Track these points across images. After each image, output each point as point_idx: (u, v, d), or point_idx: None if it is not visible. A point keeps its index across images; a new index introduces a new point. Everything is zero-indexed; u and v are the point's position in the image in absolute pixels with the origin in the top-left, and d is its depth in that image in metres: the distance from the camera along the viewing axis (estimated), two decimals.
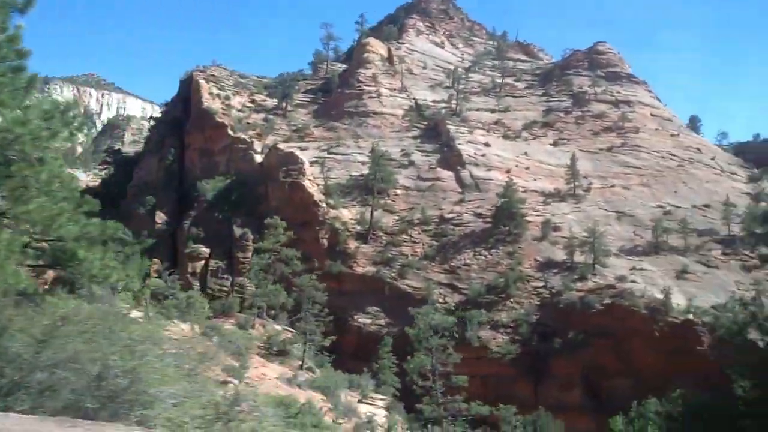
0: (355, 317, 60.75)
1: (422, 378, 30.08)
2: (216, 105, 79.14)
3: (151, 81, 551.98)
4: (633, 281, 58.43)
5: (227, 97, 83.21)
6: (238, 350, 34.20)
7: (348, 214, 68.59)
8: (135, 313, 33.17)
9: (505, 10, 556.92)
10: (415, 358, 32.21)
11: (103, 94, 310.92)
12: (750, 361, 15.86)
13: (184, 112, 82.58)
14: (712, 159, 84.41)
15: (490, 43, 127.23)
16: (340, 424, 32.05)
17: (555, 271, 60.61)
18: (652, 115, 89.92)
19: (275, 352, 42.33)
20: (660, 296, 53.68)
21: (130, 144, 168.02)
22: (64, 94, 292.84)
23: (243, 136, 74.29)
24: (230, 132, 74.10)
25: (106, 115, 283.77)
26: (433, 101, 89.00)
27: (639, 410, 33.61)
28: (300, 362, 42.26)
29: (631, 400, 33.67)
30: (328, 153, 78.15)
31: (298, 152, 72.25)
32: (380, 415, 38.08)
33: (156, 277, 65.73)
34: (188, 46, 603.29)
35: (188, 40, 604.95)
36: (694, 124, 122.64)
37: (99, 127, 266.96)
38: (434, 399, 28.01)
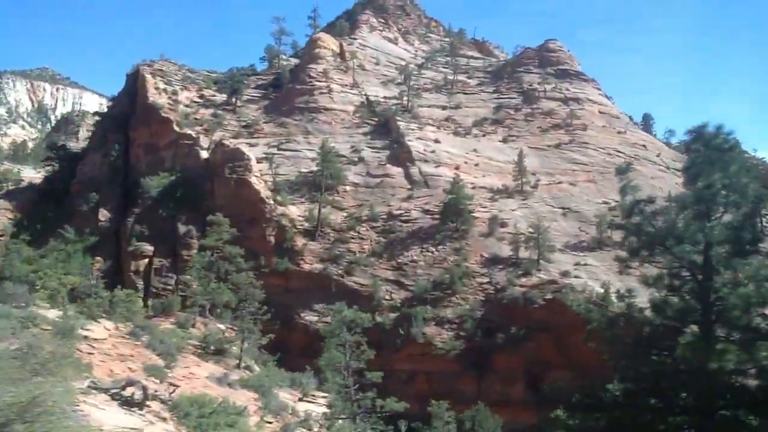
0: (302, 315, 60.39)
1: (337, 374, 29.95)
2: (162, 100, 77.74)
3: (108, 76, 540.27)
4: (576, 276, 59.24)
5: (174, 92, 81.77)
6: (167, 349, 33.53)
7: (296, 210, 68.04)
8: (53, 313, 32.47)
9: (466, 8, 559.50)
10: (326, 354, 32.02)
11: (58, 89, 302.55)
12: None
13: (130, 107, 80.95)
14: (658, 156, 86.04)
15: (447, 40, 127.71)
16: (270, 423, 31.67)
17: (500, 266, 61.06)
18: (600, 112, 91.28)
19: (212, 351, 41.61)
20: (601, 291, 54.44)
21: (84, 140, 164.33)
22: (17, 88, 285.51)
23: (189, 131, 73.10)
24: (176, 127, 72.86)
25: (62, 110, 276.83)
26: (385, 97, 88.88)
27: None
28: (237, 361, 41.67)
29: (572, 394, 34.07)
30: (278, 149, 77.37)
31: (245, 148, 71.44)
32: (320, 413, 37.78)
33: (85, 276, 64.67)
34: (146, 39, 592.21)
35: (146, 33, 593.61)
36: (647, 122, 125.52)
37: (54, 122, 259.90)
38: (348, 395, 27.84)
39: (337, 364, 30.13)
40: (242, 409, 28.30)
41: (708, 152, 14.91)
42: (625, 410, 15.33)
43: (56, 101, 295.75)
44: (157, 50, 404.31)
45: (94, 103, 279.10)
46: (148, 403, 20.99)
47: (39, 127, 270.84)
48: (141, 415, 20.15)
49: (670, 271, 15.87)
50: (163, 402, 22.78)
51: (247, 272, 47.43)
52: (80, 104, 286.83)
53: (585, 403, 15.81)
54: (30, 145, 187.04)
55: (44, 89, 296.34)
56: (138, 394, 20.72)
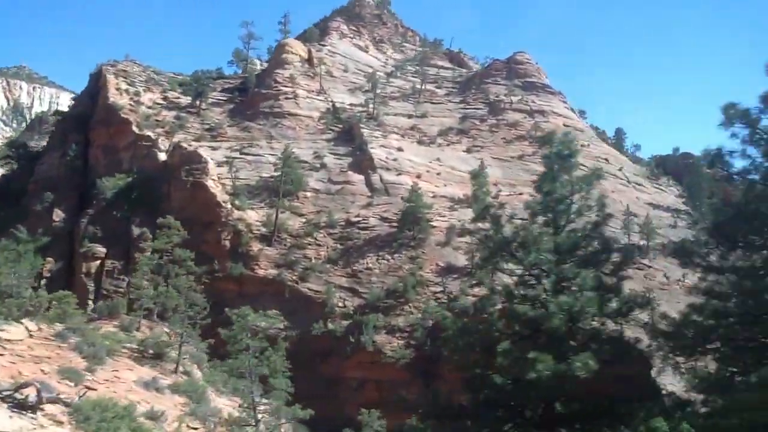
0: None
1: (243, 380, 29.59)
2: (123, 101, 76.94)
3: (85, 75, 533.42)
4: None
5: (137, 93, 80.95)
6: (95, 352, 32.92)
7: (255, 215, 67.52)
8: None
9: (446, 19, 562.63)
10: (231, 359, 31.70)
11: (34, 88, 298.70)
12: None
13: (91, 108, 80.00)
14: (620, 169, 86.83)
15: (422, 50, 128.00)
16: (195, 429, 31.19)
17: (455, 276, 61.03)
18: (564, 125, 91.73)
19: (150, 355, 40.98)
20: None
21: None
22: None
23: (149, 133, 72.37)
24: (135, 129, 72.09)
25: (39, 109, 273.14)
26: (351, 105, 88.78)
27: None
28: (175, 365, 41.06)
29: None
30: (240, 153, 76.89)
31: (206, 151, 70.93)
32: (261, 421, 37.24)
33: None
34: (121, 40, 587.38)
35: (122, 34, 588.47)
36: (619, 136, 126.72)
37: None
38: (248, 401, 27.52)
39: (241, 370, 29.77)
40: (159, 414, 27.84)
41: (554, 159, 14.96)
42: (472, 420, 15.26)
43: (32, 100, 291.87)
44: (133, 51, 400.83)
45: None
46: (43, 406, 20.44)
47: (14, 126, 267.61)
48: (32, 418, 19.62)
49: (522, 279, 15.87)
50: (66, 405, 22.23)
51: (188, 276, 46.65)
52: (57, 104, 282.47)
53: (434, 413, 15.73)
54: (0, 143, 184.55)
55: (20, 88, 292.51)
56: (32, 397, 20.18)
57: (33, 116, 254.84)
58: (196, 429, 31.14)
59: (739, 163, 19.31)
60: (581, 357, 14.58)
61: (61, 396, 22.73)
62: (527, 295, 15.59)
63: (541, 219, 15.09)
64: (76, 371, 27.77)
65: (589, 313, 15.62)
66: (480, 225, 15.91)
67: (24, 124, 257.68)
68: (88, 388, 27.30)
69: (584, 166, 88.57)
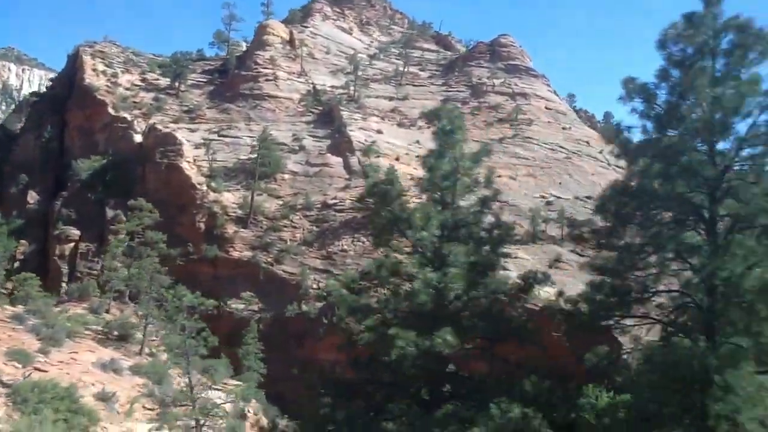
0: (229, 303, 59.80)
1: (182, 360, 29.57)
2: (100, 82, 76.23)
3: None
4: (504, 269, 59.28)
5: (115, 75, 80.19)
6: (53, 334, 32.82)
7: (231, 198, 67.23)
8: None
9: (441, 1, 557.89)
10: (167, 337, 31.70)
11: (24, 70, 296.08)
12: None
13: (68, 89, 79.28)
14: (600, 152, 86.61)
15: (410, 32, 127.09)
16: (151, 410, 31.16)
17: None
18: (546, 108, 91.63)
19: (115, 336, 40.95)
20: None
21: None
22: None
23: (125, 115, 71.77)
24: (111, 110, 71.48)
25: (28, 91, 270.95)
26: (332, 87, 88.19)
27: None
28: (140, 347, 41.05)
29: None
30: (219, 135, 76.38)
31: (181, 133, 70.49)
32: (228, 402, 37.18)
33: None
34: (107, 21, 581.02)
35: (107, 15, 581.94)
36: (607, 120, 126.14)
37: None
38: (186, 381, 27.53)
39: (176, 351, 29.76)
40: (110, 395, 27.79)
41: (440, 135, 14.89)
42: (359, 397, 15.33)
43: (22, 82, 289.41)
44: (119, 32, 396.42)
45: None
46: None
47: (3, 108, 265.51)
48: None
49: (412, 257, 15.85)
50: (6, 386, 22.16)
51: (152, 257, 46.51)
52: (47, 86, 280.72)
53: (326, 391, 15.75)
54: None
55: (9, 69, 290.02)
56: None
57: (21, 98, 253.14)
58: (152, 410, 31.14)
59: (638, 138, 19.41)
60: (441, 333, 14.63)
61: (2, 378, 22.62)
62: (410, 273, 15.66)
63: (429, 197, 15.04)
64: (26, 353, 27.66)
65: (454, 289, 15.72)
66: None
67: (13, 106, 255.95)
68: (38, 369, 27.20)
69: (565, 148, 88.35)
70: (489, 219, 18.34)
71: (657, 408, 14.90)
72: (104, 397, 26.76)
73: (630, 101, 18.58)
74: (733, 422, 13.93)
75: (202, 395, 27.24)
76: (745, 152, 17.82)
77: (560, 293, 20.75)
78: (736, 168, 17.97)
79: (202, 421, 25.64)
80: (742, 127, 17.71)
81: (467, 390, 16.76)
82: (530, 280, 18.03)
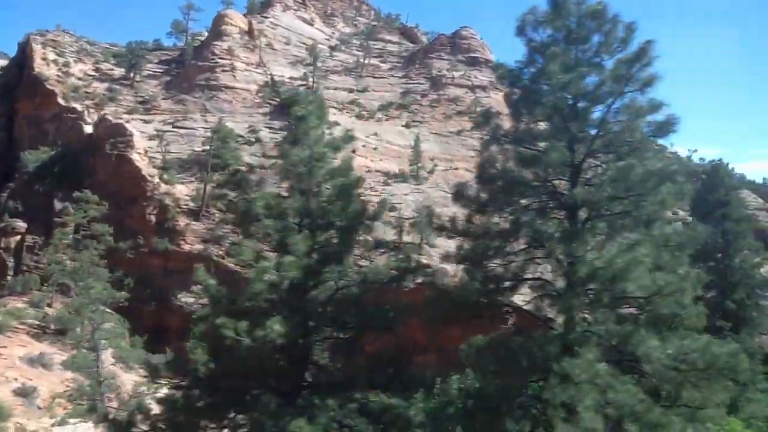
0: (179, 296, 59.18)
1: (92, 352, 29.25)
2: (50, 71, 74.58)
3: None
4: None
5: (66, 64, 78.54)
6: None
7: (184, 190, 66.41)
8: None
9: None
10: (71, 333, 31.30)
11: None
12: None
13: (18, 78, 77.43)
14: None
15: (375, 23, 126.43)
16: (81, 405, 30.65)
17: (382, 251, 60.81)
18: (506, 101, 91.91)
19: (52, 330, 40.20)
20: None
21: None
22: None
23: (76, 105, 70.37)
24: (61, 100, 70.00)
25: None
26: (291, 78, 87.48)
27: (442, 387, 34.07)
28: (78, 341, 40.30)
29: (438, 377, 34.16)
30: (173, 126, 75.36)
31: (135, 124, 69.43)
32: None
33: None
34: (68, 8, 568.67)
35: (65, 3, 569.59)
36: None
37: None
38: (93, 375, 27.25)
39: (84, 344, 29.38)
40: (31, 390, 27.26)
41: (293, 121, 14.93)
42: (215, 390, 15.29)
43: None
44: (78, 21, 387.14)
45: None
46: None
47: None
48: None
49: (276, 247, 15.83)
50: None
51: (91, 250, 45.75)
52: None
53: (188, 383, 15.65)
54: None
55: None
56: None
57: None
58: (81, 405, 30.62)
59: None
60: (271, 322, 14.66)
61: None
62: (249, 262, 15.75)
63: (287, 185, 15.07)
64: None
65: (289, 279, 15.79)
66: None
67: None
68: None
69: None
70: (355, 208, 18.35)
71: (501, 397, 15.28)
72: (24, 393, 26.19)
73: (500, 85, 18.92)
74: (571, 410, 14.18)
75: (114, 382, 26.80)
76: (602, 140, 18.05)
77: (431, 283, 20.90)
78: (599, 155, 18.24)
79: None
80: (598, 114, 18.07)
81: (328, 381, 16.76)
82: (403, 269, 18.28)
